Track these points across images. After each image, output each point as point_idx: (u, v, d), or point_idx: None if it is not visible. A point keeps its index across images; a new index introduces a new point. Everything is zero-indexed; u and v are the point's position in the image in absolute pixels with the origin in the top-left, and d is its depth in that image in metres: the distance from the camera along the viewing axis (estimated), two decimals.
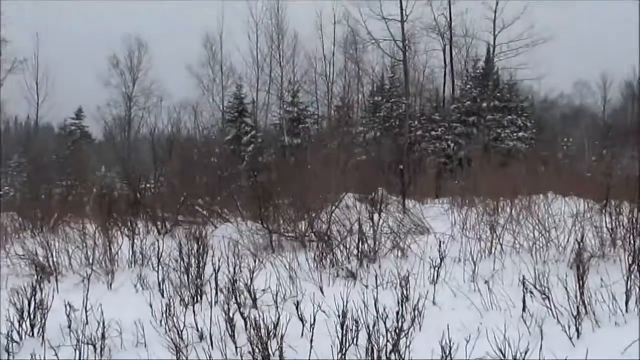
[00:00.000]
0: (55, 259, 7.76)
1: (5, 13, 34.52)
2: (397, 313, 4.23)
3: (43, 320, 5.07)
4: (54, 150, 40.05)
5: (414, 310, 4.63)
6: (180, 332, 4.62)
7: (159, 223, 10.41)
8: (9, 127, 59.42)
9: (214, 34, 36.22)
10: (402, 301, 4.84)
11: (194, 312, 5.21)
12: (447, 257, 6.59)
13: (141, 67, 40.04)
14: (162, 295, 6.26)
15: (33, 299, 5.14)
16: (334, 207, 10.14)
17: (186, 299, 5.96)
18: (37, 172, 31.08)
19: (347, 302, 4.43)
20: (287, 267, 6.82)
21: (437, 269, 6.28)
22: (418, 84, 35.34)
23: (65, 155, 38.12)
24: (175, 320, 4.69)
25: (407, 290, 5.06)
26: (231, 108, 34.13)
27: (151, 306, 5.41)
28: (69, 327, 5.13)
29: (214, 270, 5.97)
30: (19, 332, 4.93)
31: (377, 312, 4.37)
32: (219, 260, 6.15)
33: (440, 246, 6.53)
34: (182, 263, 6.57)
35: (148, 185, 13.54)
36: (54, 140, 45.07)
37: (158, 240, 7.91)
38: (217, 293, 5.90)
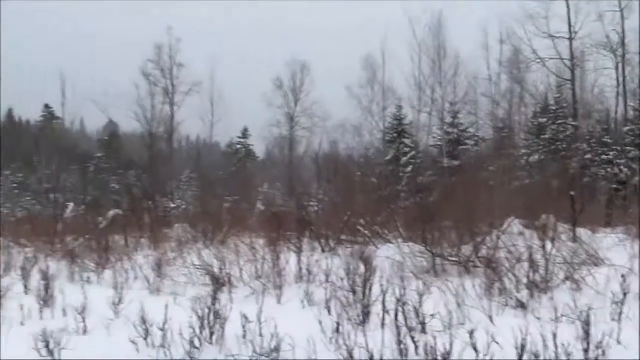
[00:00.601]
0: (228, 271, 8.14)
1: (183, 40, 37.53)
2: (584, 350, 3.94)
3: (221, 329, 5.30)
4: (221, 167, 42.46)
5: (597, 348, 4.30)
6: (350, 351, 4.62)
7: (322, 241, 10.62)
8: (181, 144, 63.95)
9: (374, 54, 36.76)
10: (585, 337, 4.50)
11: (364, 332, 5.20)
12: (630, 292, 6.08)
13: (303, 88, 41.62)
14: (329, 313, 6.33)
15: (212, 308, 5.40)
16: (499, 232, 9.76)
17: (353, 319, 5.97)
18: (205, 187, 33.05)
19: (525, 335, 4.20)
20: (454, 292, 6.63)
21: (620, 304, 5.80)
22: (586, 104, 33.43)
23: (231, 172, 40.31)
24: (346, 339, 4.70)
25: (587, 325, 4.71)
26: (390, 128, 34.28)
27: (320, 323, 5.49)
28: (244, 337, 5.33)
29: (382, 291, 5.93)
30: (199, 339, 5.18)
31: (556, 347, 4.11)
32: (387, 282, 6.11)
33: (622, 280, 6.03)
34: (348, 282, 6.61)
35: (311, 203, 13.88)
36: (221, 157, 47.83)
37: (325, 258, 8.07)
38: (384, 315, 5.85)
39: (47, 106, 50.64)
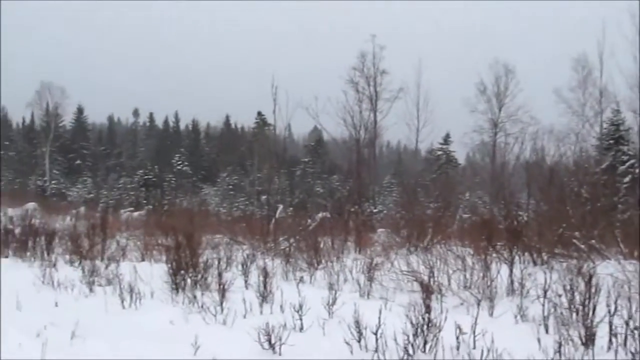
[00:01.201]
0: (436, 278, 8.07)
1: (389, 45, 38.00)
2: None
3: (435, 339, 5.25)
4: (421, 173, 42.31)
5: None
6: None
7: (534, 253, 10.14)
8: (382, 150, 65.07)
9: (588, 55, 34.37)
10: None
11: (587, 354, 4.86)
12: None
13: (507, 92, 40.08)
14: (547, 331, 5.99)
15: (426, 316, 5.36)
16: None
17: (574, 339, 5.59)
18: (406, 193, 33.13)
19: None
20: None
21: None
22: None
23: (432, 178, 40.05)
24: None
25: None
26: (606, 134, 31.78)
27: (539, 341, 5.24)
28: (457, 348, 5.24)
29: (608, 311, 5.48)
30: (413, 346, 5.17)
31: None
32: (615, 302, 5.62)
33: None
34: (567, 299, 6.21)
35: (519, 213, 13.32)
36: (422, 163, 47.77)
37: (537, 272, 7.66)
38: (611, 338, 5.40)
39: (259, 113, 54.34)
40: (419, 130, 39.78)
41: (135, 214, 33.56)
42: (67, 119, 62.21)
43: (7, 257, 13.76)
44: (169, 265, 8.97)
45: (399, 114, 38.87)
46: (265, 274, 7.89)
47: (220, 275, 8.34)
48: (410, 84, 38.87)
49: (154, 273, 9.41)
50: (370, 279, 8.41)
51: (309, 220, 16.82)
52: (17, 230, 16.57)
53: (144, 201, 42.90)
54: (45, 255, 13.03)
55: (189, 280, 8.65)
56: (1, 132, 58.47)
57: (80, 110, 62.81)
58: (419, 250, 12.84)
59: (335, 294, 6.98)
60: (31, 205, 37.07)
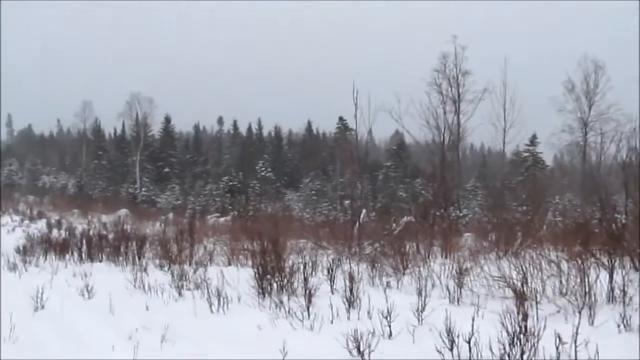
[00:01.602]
0: (530, 285, 7.71)
1: (469, 47, 37.15)
2: None
3: (533, 348, 4.97)
4: (507, 176, 41.03)
5: None
6: None
7: (635, 258, 9.54)
8: (465, 153, 63.78)
9: None
10: None
11: None
12: None
13: (597, 90, 38.27)
14: None
15: (522, 324, 5.09)
16: None
17: None
18: (492, 196, 32.28)
19: None
20: None
21: None
22: None
23: (518, 180, 38.82)
24: None
25: None
26: None
27: None
28: (557, 359, 4.95)
29: None
30: (509, 356, 4.92)
31: None
32: None
33: None
34: None
35: (616, 216, 12.62)
36: (507, 165, 46.42)
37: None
38: None
39: (341, 118, 54.46)
40: (506, 131, 38.28)
41: (221, 219, 34.29)
42: (156, 129, 64.46)
43: (101, 261, 14.31)
44: (255, 270, 9.02)
45: (484, 114, 37.70)
46: (351, 279, 7.79)
47: (306, 280, 8.31)
48: (496, 83, 37.58)
49: (240, 277, 9.50)
50: (460, 285, 8.14)
51: (394, 225, 16.60)
52: (111, 236, 17.26)
53: (229, 207, 43.78)
54: (137, 259, 13.46)
55: (275, 285, 8.66)
56: (85, 142, 61.18)
57: (167, 120, 64.87)
58: (509, 255, 12.39)
59: (425, 299, 6.78)
60: (123, 211, 38.67)
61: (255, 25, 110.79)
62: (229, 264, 12.74)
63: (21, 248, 16.52)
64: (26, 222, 32.74)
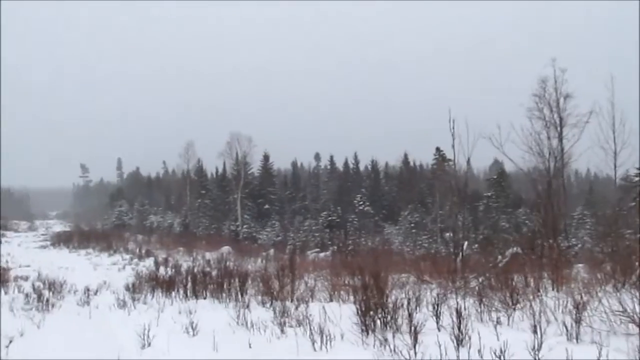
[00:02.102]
0: None
1: (569, 69, 35.60)
2: None
3: None
4: (618, 202, 38.74)
5: None
6: None
7: None
8: (570, 179, 61.12)
9: None
10: None
11: None
12: None
13: None
14: None
15: None
16: None
17: None
18: (602, 224, 30.53)
19: None
20: None
21: None
22: None
23: (630, 207, 36.55)
24: None
25: None
26: None
27: None
28: None
29: None
30: None
31: None
32: None
33: None
34: None
35: None
36: (617, 191, 43.96)
37: None
38: None
39: (438, 149, 53.73)
40: (617, 154, 36.02)
41: (321, 254, 34.37)
42: (255, 166, 66.06)
43: (205, 298, 14.53)
44: (358, 306, 8.81)
45: (592, 138, 35.73)
46: (459, 315, 7.42)
47: (410, 316, 8.02)
48: (603, 104, 35.59)
49: (343, 314, 9.32)
50: (578, 320, 7.57)
51: (499, 257, 15.93)
52: (214, 273, 17.57)
53: (329, 242, 43.85)
54: (240, 296, 13.56)
55: (378, 322, 8.41)
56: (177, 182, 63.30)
57: (266, 157, 66.33)
58: (628, 287, 11.52)
59: (540, 337, 6.33)
60: (225, 248, 39.55)
61: (349, 60, 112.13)
62: (331, 300, 12.56)
63: (130, 286, 17.14)
64: (135, 260, 34.02)
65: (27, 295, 15.23)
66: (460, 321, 7.32)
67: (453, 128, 25.37)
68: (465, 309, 9.21)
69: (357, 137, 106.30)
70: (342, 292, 13.02)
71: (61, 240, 52.32)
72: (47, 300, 14.04)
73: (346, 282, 13.50)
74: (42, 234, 68.43)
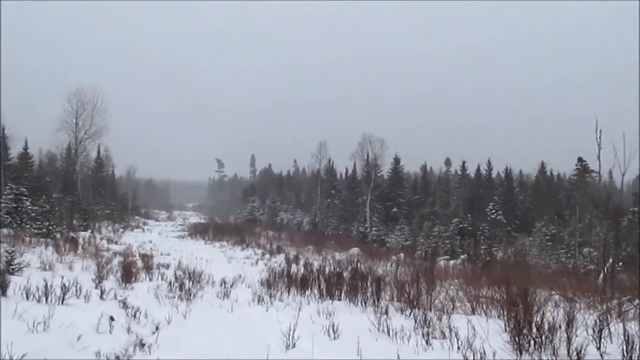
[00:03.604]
0: None
1: None
2: None
3: None
4: None
5: None
6: None
7: None
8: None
9: None
10: None
11: None
12: None
13: None
14: None
15: None
16: None
17: None
18: None
19: None
20: None
21: None
22: None
23: None
24: None
25: None
26: None
27: None
28: None
29: None
30: None
31: None
32: None
33: None
34: None
35: None
36: None
37: None
38: None
39: (580, 159, 50.95)
40: None
41: (451, 262, 33.51)
42: (385, 169, 65.79)
43: (339, 299, 14.44)
44: (507, 324, 8.31)
45: None
46: (628, 342, 6.76)
47: (569, 339, 7.42)
48: None
49: (490, 329, 8.83)
50: None
51: None
52: (346, 274, 17.48)
53: (459, 250, 42.71)
54: (376, 300, 13.34)
55: (532, 342, 7.87)
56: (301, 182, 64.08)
57: (397, 160, 65.79)
58: None
59: None
60: (355, 250, 39.62)
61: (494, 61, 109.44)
62: (473, 312, 12.03)
63: (265, 281, 17.45)
64: (267, 255, 34.82)
65: (170, 284, 15.92)
66: (629, 349, 6.67)
67: (600, 138, 23.82)
68: (625, 333, 8.45)
69: (488, 142, 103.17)
70: (482, 304, 12.44)
71: (197, 231, 54.92)
72: (189, 290, 14.57)
73: (488, 294, 12.88)
74: (180, 224, 72.31)
